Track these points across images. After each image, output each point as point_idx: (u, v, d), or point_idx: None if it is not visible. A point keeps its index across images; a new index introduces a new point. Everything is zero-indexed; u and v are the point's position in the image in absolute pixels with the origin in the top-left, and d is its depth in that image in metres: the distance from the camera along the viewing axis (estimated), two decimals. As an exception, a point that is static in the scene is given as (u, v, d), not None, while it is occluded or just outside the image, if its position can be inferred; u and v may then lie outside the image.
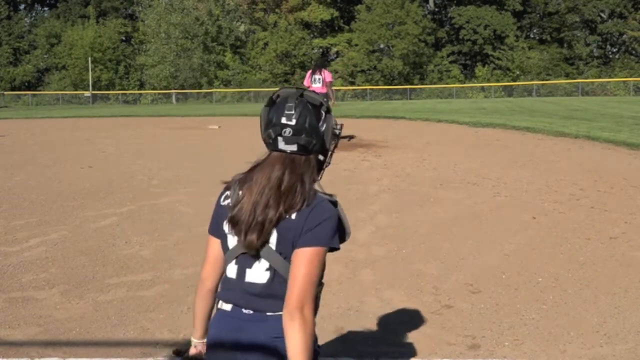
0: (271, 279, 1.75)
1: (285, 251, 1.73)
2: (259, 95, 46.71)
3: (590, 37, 50.32)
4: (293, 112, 1.75)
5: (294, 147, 1.76)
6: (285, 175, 1.75)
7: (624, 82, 43.36)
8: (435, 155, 10.52)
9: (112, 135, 15.93)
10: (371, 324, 3.74)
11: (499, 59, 48.57)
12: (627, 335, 3.53)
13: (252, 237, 1.73)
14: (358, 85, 48.27)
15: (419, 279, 4.51)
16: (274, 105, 1.80)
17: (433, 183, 8.05)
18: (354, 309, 3.95)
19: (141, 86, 52.59)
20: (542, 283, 4.38)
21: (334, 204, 1.77)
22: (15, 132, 17.39)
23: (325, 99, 1.85)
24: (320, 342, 1.90)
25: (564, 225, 5.89)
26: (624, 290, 4.22)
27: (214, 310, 1.89)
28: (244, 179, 1.82)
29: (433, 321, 3.76)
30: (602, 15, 49.97)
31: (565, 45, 50.23)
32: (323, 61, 15.46)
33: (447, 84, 47.92)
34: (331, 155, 1.87)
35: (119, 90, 51.84)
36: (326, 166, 1.87)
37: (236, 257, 1.80)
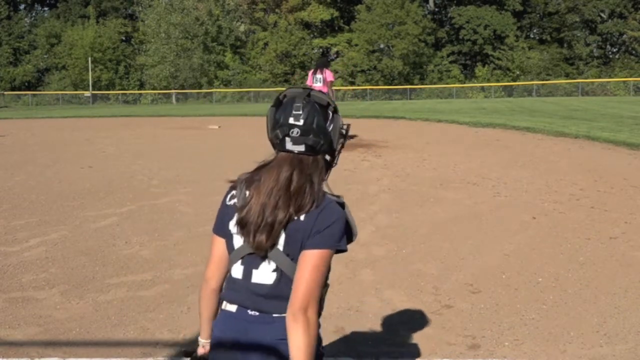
0: (278, 280, 1.74)
1: (293, 252, 1.72)
2: (259, 95, 46.74)
3: (590, 37, 50.32)
4: (301, 112, 1.73)
5: (301, 148, 1.74)
6: (293, 176, 1.74)
7: (624, 82, 43.37)
8: (435, 155, 10.52)
9: (112, 135, 15.93)
10: (371, 324, 3.74)
11: (499, 59, 48.58)
12: (627, 335, 3.53)
13: (261, 238, 1.71)
14: (358, 85, 48.28)
15: (419, 279, 4.51)
16: (280, 105, 1.79)
17: (433, 183, 8.05)
18: (354, 309, 3.95)
19: (141, 86, 52.60)
20: (542, 283, 4.38)
21: (342, 205, 1.76)
22: (15, 132, 17.39)
23: (332, 99, 1.85)
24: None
25: (564, 225, 5.89)
26: (624, 290, 4.22)
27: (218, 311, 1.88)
28: (251, 179, 1.80)
29: (433, 321, 3.76)
30: (602, 15, 49.97)
31: (565, 45, 50.24)
32: (324, 60, 15.47)
33: (447, 84, 47.93)
34: (338, 155, 1.85)
35: (119, 90, 51.85)
36: (333, 166, 1.85)
37: (242, 258, 1.78)
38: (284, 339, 1.66)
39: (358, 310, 3.95)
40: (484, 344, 3.46)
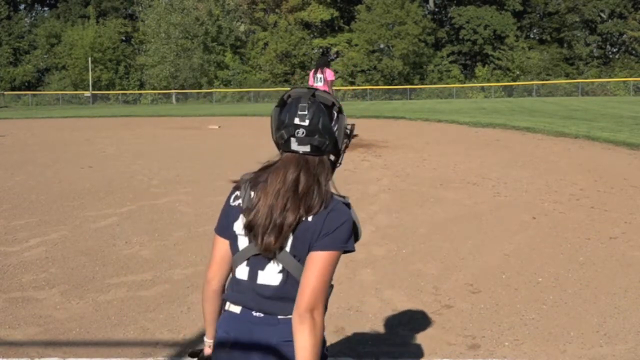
0: (284, 281, 1.73)
1: (300, 253, 1.71)
2: (259, 95, 46.74)
3: (590, 37, 50.31)
4: (306, 112, 1.72)
5: (307, 148, 1.73)
6: (301, 177, 1.72)
7: (624, 82, 43.37)
8: (435, 155, 10.52)
9: (112, 135, 15.93)
10: (371, 324, 3.74)
11: (499, 59, 48.58)
12: (627, 335, 3.53)
13: (270, 240, 1.70)
14: (358, 85, 48.28)
15: (419, 279, 4.51)
16: (285, 105, 1.77)
17: (433, 183, 8.05)
18: (354, 309, 3.95)
19: (141, 86, 52.60)
20: (542, 283, 4.38)
21: (348, 206, 1.76)
22: (15, 132, 17.40)
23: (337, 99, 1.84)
24: (321, 342, 1.89)
25: (564, 225, 5.89)
26: (624, 290, 4.22)
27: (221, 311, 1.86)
28: (255, 180, 1.78)
29: (433, 321, 3.76)
30: (602, 15, 49.97)
31: (565, 45, 50.24)
32: (325, 60, 15.48)
33: (447, 84, 47.92)
34: (342, 155, 1.84)
35: (119, 90, 51.85)
36: (338, 166, 1.84)
37: (247, 259, 1.76)
38: (289, 341, 1.66)
39: (358, 310, 3.95)
40: (484, 344, 3.46)
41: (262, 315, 1.73)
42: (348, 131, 1.83)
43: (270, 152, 1.87)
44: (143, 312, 3.97)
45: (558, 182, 7.88)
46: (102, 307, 4.06)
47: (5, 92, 50.76)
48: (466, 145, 11.93)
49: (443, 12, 55.65)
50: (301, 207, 1.69)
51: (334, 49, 53.63)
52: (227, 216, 1.81)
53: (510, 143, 12.01)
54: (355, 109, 24.69)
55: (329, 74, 12.57)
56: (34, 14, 60.43)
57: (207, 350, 1.92)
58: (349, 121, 1.86)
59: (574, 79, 45.55)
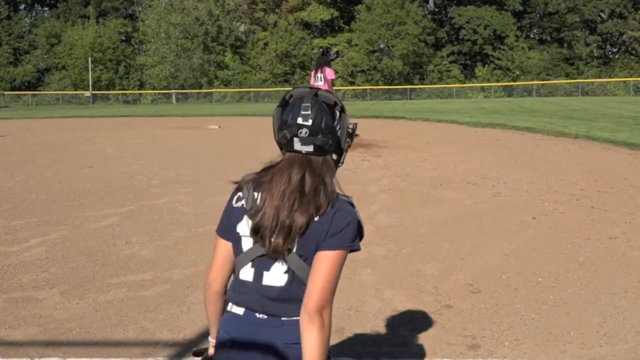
0: (289, 282, 1.71)
1: (306, 253, 1.69)
2: (259, 95, 46.76)
3: (590, 37, 50.32)
4: (309, 112, 1.71)
5: (310, 148, 1.72)
6: (306, 177, 1.71)
7: (624, 82, 43.39)
8: (435, 155, 10.52)
9: (112, 135, 15.94)
10: (371, 324, 3.74)
11: (499, 59, 48.58)
12: (627, 335, 3.53)
13: (278, 241, 1.68)
14: (358, 85, 48.28)
15: (419, 279, 4.51)
16: (287, 105, 1.76)
17: (433, 183, 8.05)
18: (354, 309, 3.95)
19: (141, 86, 52.62)
20: (542, 283, 4.38)
21: (351, 205, 1.75)
22: (15, 132, 17.40)
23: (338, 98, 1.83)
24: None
25: (564, 225, 5.89)
26: (624, 290, 4.22)
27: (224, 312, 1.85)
28: (258, 181, 1.77)
29: (433, 321, 3.76)
30: (602, 15, 49.97)
31: (565, 45, 50.25)
32: (325, 59, 15.51)
33: (447, 84, 47.93)
34: (345, 154, 1.84)
35: (119, 90, 51.86)
36: (340, 165, 1.83)
37: (252, 260, 1.75)
38: (293, 343, 1.65)
39: (358, 310, 3.95)
40: (484, 344, 3.46)
41: (265, 317, 1.72)
42: (350, 130, 1.82)
43: (270, 152, 1.87)
44: (143, 312, 3.97)
45: (558, 182, 7.89)
46: (102, 307, 4.06)
47: (5, 92, 50.77)
48: (466, 145, 11.94)
49: (443, 12, 55.65)
50: (310, 207, 1.68)
51: (334, 49, 53.63)
52: (230, 217, 1.80)
53: (510, 143, 12.01)
54: (355, 109, 24.70)
55: (329, 72, 12.57)
56: (34, 14, 60.45)
57: (212, 351, 1.92)
58: (351, 120, 1.85)
59: (574, 79, 45.56)
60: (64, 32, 52.81)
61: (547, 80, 45.76)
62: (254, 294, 1.73)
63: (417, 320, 3.78)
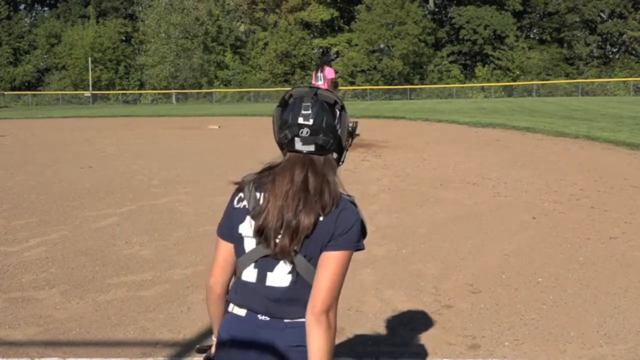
0: (293, 283, 1.69)
1: (311, 254, 1.68)
2: (259, 95, 46.76)
3: (590, 37, 50.33)
4: (310, 111, 1.70)
5: (311, 148, 1.71)
6: (309, 177, 1.70)
7: (624, 82, 43.40)
8: (435, 155, 10.53)
9: (112, 135, 15.94)
10: (371, 324, 3.74)
11: (499, 59, 48.59)
12: (627, 335, 3.53)
13: (285, 242, 1.66)
14: (358, 85, 48.28)
15: (419, 279, 4.51)
16: (287, 105, 1.75)
17: (433, 183, 8.05)
18: (354, 309, 3.95)
19: (141, 86, 52.63)
20: (542, 283, 4.38)
21: (354, 204, 1.74)
22: (15, 132, 17.40)
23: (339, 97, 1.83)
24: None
25: (564, 225, 5.89)
26: (624, 290, 4.22)
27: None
28: (259, 181, 1.75)
29: (433, 321, 3.76)
30: (602, 15, 49.97)
31: (565, 45, 50.25)
32: (325, 59, 15.56)
33: (447, 84, 47.94)
34: (345, 153, 1.82)
35: (119, 90, 51.87)
36: (340, 165, 1.82)
37: (255, 261, 1.73)
38: (297, 346, 1.64)
39: (358, 310, 3.95)
40: (484, 344, 3.46)
41: (268, 319, 1.70)
42: (351, 129, 1.81)
43: (271, 152, 1.86)
44: (143, 312, 3.97)
45: (558, 182, 7.89)
46: (102, 307, 4.05)
47: (5, 92, 50.79)
48: (466, 145, 11.94)
49: (443, 12, 55.66)
50: (317, 207, 1.67)
51: (334, 49, 53.63)
52: (231, 218, 1.78)
53: (510, 143, 12.01)
54: (355, 109, 24.70)
55: (329, 72, 12.57)
56: (34, 14, 60.46)
57: (215, 349, 1.91)
58: (352, 119, 1.85)
59: (574, 79, 45.56)
60: (64, 32, 52.82)
61: (547, 80, 45.77)
62: (256, 296, 1.71)
63: (417, 320, 3.78)
